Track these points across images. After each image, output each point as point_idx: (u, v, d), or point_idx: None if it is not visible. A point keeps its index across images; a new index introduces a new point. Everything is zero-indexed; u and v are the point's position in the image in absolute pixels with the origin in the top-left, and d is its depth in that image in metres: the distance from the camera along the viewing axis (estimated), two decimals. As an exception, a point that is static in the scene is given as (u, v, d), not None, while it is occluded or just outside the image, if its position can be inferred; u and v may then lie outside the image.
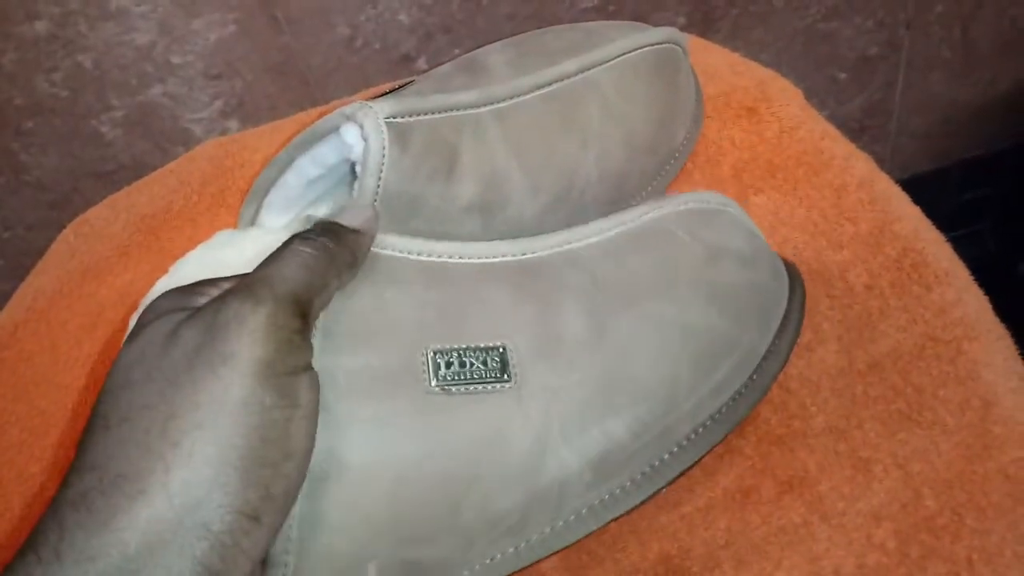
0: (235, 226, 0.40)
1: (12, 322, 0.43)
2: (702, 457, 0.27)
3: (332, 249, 0.24)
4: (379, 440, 0.23)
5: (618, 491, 0.26)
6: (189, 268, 0.40)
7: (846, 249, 0.35)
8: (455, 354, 0.24)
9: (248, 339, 0.21)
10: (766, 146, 0.39)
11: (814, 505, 0.29)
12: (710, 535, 0.29)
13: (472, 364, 0.24)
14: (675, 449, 0.27)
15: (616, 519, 0.26)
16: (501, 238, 0.34)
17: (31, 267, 0.46)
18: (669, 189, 0.38)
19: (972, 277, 0.34)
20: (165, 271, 0.40)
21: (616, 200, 0.37)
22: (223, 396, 0.20)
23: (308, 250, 0.24)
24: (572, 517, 0.25)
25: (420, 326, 0.24)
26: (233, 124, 0.55)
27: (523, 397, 0.24)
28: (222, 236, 0.40)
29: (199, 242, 0.40)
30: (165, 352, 0.21)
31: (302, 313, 0.22)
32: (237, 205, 0.42)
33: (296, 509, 0.22)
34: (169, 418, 0.20)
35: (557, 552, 0.26)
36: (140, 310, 0.38)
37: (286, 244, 0.24)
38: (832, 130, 0.39)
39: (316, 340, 0.23)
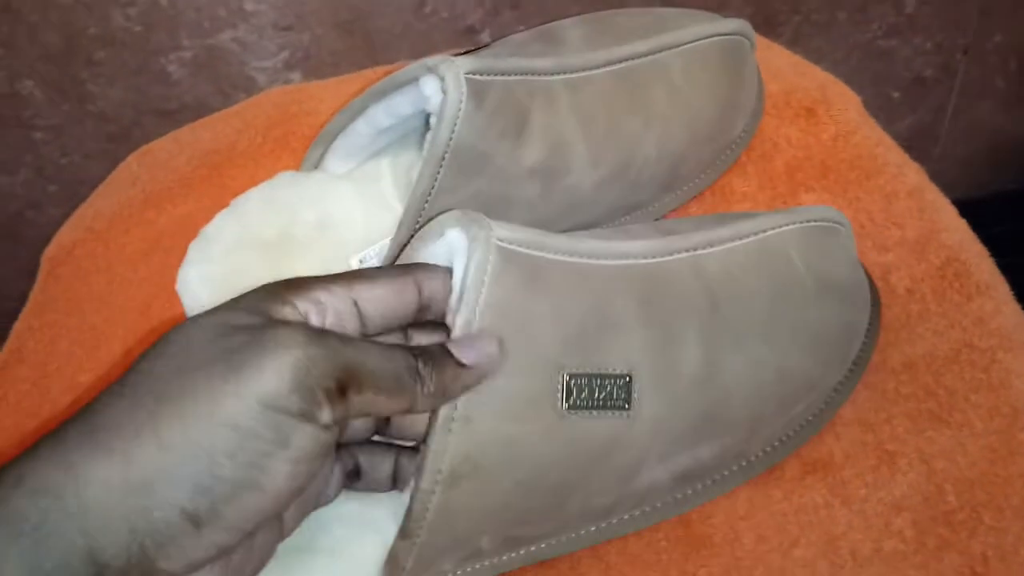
0: (297, 169, 0.41)
1: (71, 240, 0.45)
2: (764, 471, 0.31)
3: (425, 371, 0.24)
4: (511, 454, 0.26)
5: (690, 492, 0.30)
6: (250, 204, 0.41)
7: (891, 252, 0.35)
8: (586, 380, 0.26)
9: (269, 370, 0.20)
10: (821, 147, 0.40)
11: (836, 489, 0.30)
12: (730, 504, 0.30)
13: (601, 392, 0.27)
14: (744, 463, 0.30)
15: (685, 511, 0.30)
16: (558, 207, 0.35)
17: (85, 195, 0.48)
18: (731, 179, 0.39)
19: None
20: (225, 205, 0.42)
21: (670, 183, 0.38)
22: (215, 403, 0.20)
23: (404, 358, 0.23)
24: (649, 508, 0.30)
25: (561, 343, 0.26)
26: (296, 76, 0.56)
27: (635, 423, 0.27)
28: (285, 177, 0.41)
29: (260, 182, 0.42)
30: (203, 339, 0.21)
31: (341, 386, 0.22)
32: (300, 150, 0.43)
33: (435, 498, 0.25)
34: (162, 397, 0.20)
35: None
36: (200, 239, 0.40)
37: (396, 346, 0.24)
38: (887, 139, 0.40)
39: None
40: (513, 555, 0.28)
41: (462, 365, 0.24)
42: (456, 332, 0.25)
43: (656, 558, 0.30)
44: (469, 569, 0.28)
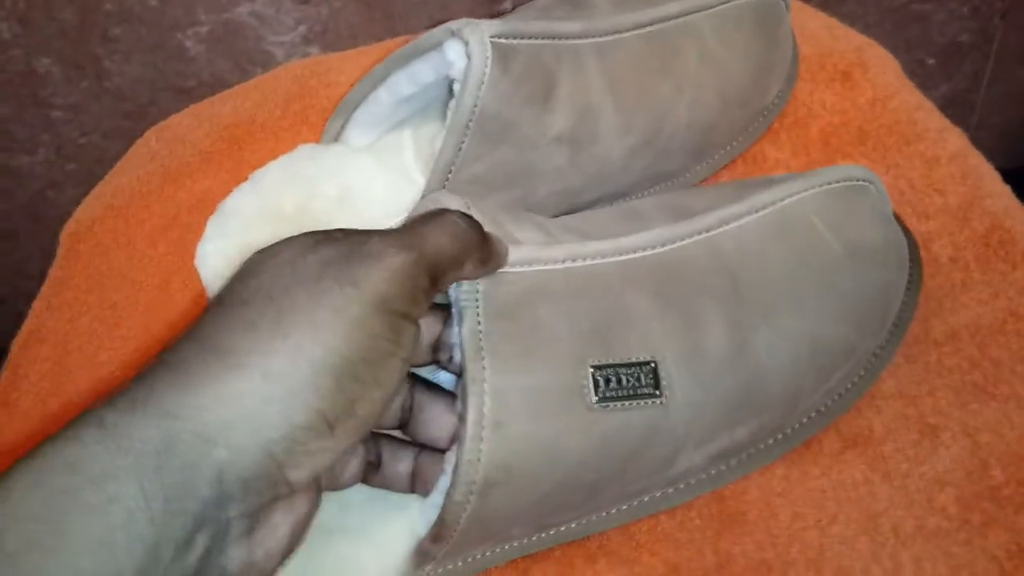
0: (317, 143, 0.40)
1: (90, 217, 0.44)
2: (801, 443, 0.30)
3: (479, 239, 0.25)
4: (547, 455, 0.25)
5: (724, 468, 0.29)
6: (270, 177, 0.40)
7: (932, 220, 0.34)
8: (613, 371, 0.26)
9: (380, 274, 0.22)
10: (858, 112, 0.38)
11: (876, 464, 0.29)
12: (765, 480, 0.29)
13: (629, 381, 0.26)
14: (780, 436, 0.29)
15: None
16: (587, 176, 0.34)
17: (104, 175, 0.47)
18: (764, 146, 0.38)
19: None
20: (244, 179, 0.41)
21: (702, 150, 0.36)
22: (342, 308, 0.21)
23: (462, 224, 0.25)
24: (682, 485, 0.29)
25: (578, 339, 0.26)
26: (314, 50, 0.55)
27: (670, 411, 0.26)
28: (305, 149, 0.41)
29: (280, 155, 0.41)
30: (301, 256, 0.22)
31: (434, 277, 0.23)
32: (319, 123, 0.43)
33: (469, 508, 0.25)
34: (286, 310, 0.21)
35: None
36: (218, 214, 0.40)
37: (443, 212, 0.25)
38: (927, 103, 0.39)
39: (486, 361, 0.25)
40: (543, 535, 0.28)
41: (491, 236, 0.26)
42: (465, 341, 0.25)
43: (688, 536, 0.29)
44: (498, 550, 0.28)
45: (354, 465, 0.26)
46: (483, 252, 0.25)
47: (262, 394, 0.20)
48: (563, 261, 0.27)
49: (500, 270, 0.26)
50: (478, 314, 0.25)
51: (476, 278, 0.26)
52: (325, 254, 0.22)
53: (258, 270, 0.22)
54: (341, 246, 0.22)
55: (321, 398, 0.20)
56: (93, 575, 0.18)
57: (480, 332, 0.25)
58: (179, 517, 0.19)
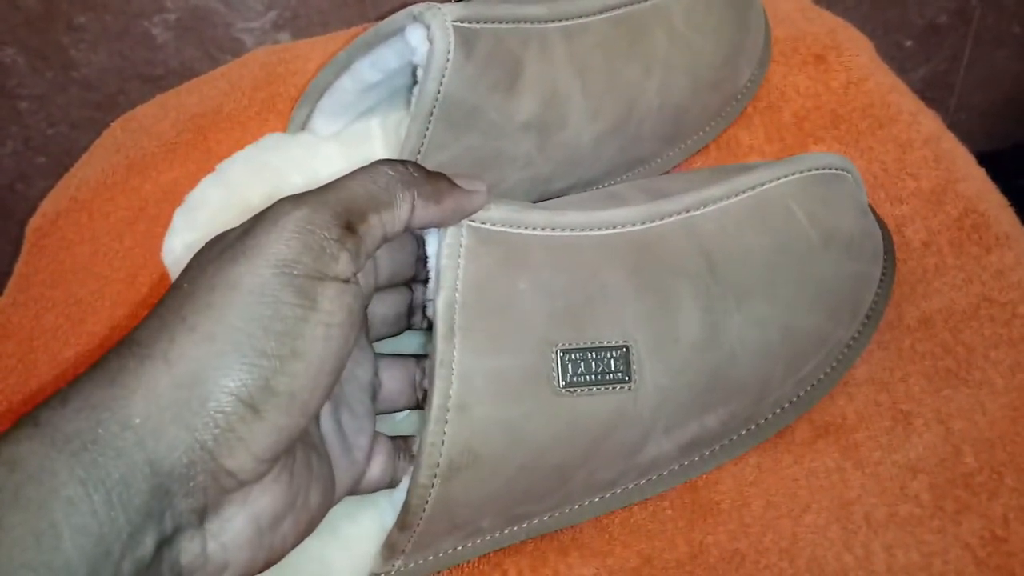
0: (284, 131, 0.40)
1: (54, 211, 0.43)
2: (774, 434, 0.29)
3: (414, 176, 0.24)
4: (511, 438, 0.25)
5: (696, 459, 0.29)
6: (236, 169, 0.40)
7: (906, 204, 0.34)
8: (581, 354, 0.25)
9: (275, 235, 0.21)
10: (831, 95, 0.38)
11: (849, 452, 0.29)
12: (738, 470, 0.29)
13: (598, 366, 0.25)
14: (752, 427, 0.29)
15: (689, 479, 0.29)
16: (556, 163, 0.33)
17: (73, 167, 0.46)
18: (737, 131, 0.37)
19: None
20: (211, 170, 0.40)
21: (673, 136, 0.36)
22: (237, 281, 0.20)
23: (386, 168, 0.23)
24: (654, 476, 0.29)
25: (550, 320, 0.25)
26: (284, 37, 0.54)
27: (638, 397, 0.26)
28: (270, 139, 0.40)
29: (246, 145, 0.40)
30: (208, 247, 0.22)
31: (346, 223, 0.22)
32: (287, 111, 0.42)
33: (433, 492, 0.25)
34: (187, 296, 0.21)
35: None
36: (185, 206, 0.39)
37: (375, 163, 0.24)
38: (901, 85, 0.38)
39: (457, 339, 0.24)
40: (515, 529, 0.28)
41: (448, 178, 0.24)
42: (439, 315, 0.24)
43: (661, 528, 0.29)
44: (470, 544, 0.27)
45: (377, 466, 0.26)
46: (429, 187, 0.24)
47: (173, 382, 0.20)
48: (543, 228, 0.26)
49: (483, 223, 0.25)
50: (457, 280, 0.25)
51: (440, 220, 0.24)
52: (230, 236, 0.22)
53: (180, 276, 0.22)
54: (246, 223, 0.22)
55: (230, 379, 0.20)
56: (43, 568, 0.17)
57: (456, 304, 0.24)
58: (123, 510, 0.19)
